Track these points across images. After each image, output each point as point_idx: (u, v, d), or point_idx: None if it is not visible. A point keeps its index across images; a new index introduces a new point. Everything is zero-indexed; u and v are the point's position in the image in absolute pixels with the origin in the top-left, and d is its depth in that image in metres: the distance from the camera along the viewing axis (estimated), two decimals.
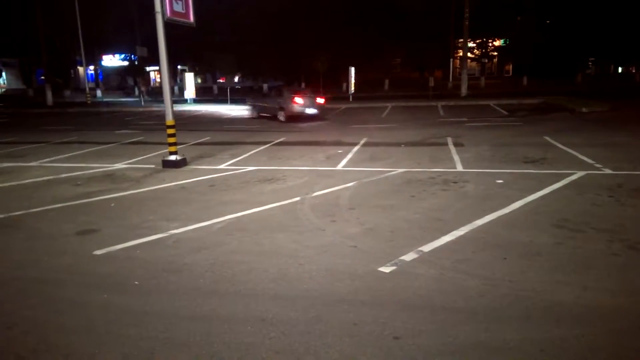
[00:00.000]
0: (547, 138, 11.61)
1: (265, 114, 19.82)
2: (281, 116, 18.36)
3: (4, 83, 49.27)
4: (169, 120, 9.58)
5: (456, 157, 9.64)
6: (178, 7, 9.88)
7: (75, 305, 3.81)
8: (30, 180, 8.66)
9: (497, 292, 3.78)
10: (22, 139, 14.77)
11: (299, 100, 17.98)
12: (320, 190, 7.28)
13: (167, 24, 9.38)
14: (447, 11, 34.96)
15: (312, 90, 22.44)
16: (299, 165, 9.37)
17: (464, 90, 28.39)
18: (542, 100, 22.39)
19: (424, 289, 3.87)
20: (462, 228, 5.26)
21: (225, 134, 14.94)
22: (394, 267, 4.28)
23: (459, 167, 8.70)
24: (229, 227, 5.66)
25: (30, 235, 5.60)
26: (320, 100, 19.19)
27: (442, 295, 3.75)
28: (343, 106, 25.27)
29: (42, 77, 40.61)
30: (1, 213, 6.47)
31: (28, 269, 4.56)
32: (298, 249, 4.89)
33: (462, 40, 30.53)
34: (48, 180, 8.68)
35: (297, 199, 6.81)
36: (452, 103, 24.07)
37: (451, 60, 39.79)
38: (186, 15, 10.16)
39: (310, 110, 18.19)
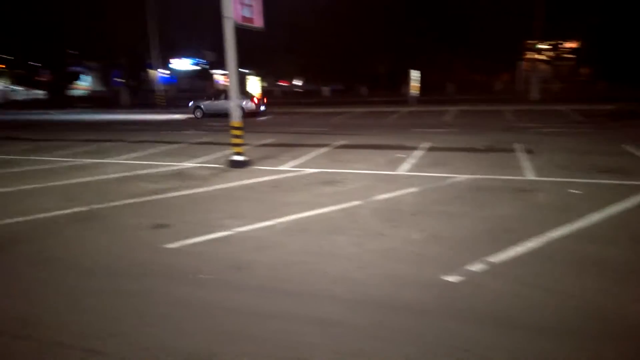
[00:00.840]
0: (626, 147, 10.75)
1: (213, 114, 22.93)
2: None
3: (89, 85, 53.41)
4: (235, 121, 9.92)
5: (526, 165, 9.17)
6: (246, 13, 10.22)
7: (145, 296, 4.04)
8: (110, 176, 9.31)
9: (570, 309, 3.54)
10: (102, 137, 15.93)
11: (255, 100, 23.12)
12: (382, 194, 7.22)
13: (236, 29, 9.72)
14: (517, 10, 33.44)
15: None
16: (360, 168, 9.34)
17: (534, 94, 27.00)
18: (620, 105, 20.78)
19: (493, 302, 3.71)
20: (534, 239, 4.99)
21: (288, 136, 15.23)
22: (461, 277, 4.14)
23: (529, 175, 8.27)
24: (291, 228, 5.76)
25: (109, 227, 6.01)
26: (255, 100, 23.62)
27: (513, 309, 3.58)
28: (404, 109, 24.92)
29: (119, 80, 43.69)
30: (85, 206, 7.01)
31: (108, 260, 4.89)
32: (359, 252, 4.88)
33: (533, 41, 29.06)
34: (125, 176, 9.29)
35: (358, 202, 6.79)
36: (520, 107, 22.96)
37: (520, 62, 37.99)
38: (254, 20, 10.50)
39: (262, 108, 23.85)
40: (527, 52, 36.61)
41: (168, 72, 45.73)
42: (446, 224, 5.68)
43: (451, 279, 4.12)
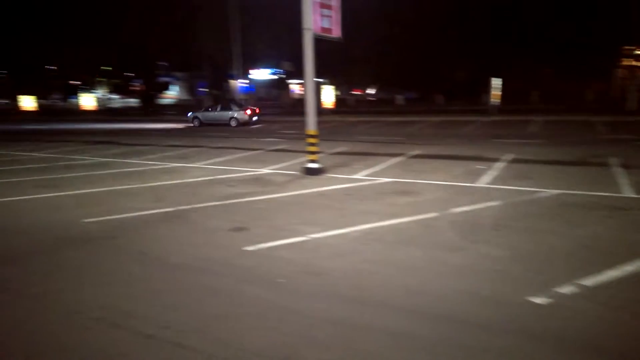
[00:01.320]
0: None
1: (211, 123, 25.62)
2: (233, 122, 25.29)
3: (175, 94, 57.43)
4: (311, 130, 10.11)
5: (623, 181, 8.37)
6: (325, 23, 10.42)
7: (227, 295, 4.21)
8: (193, 180, 9.89)
9: None
10: (186, 143, 17.00)
11: (248, 111, 25.78)
12: (460, 206, 6.95)
13: (314, 40, 9.94)
14: (612, 13, 30.83)
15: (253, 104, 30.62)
16: (436, 179, 9.08)
17: (631, 104, 24.66)
18: None
19: (587, 328, 3.41)
20: (633, 263, 4.53)
21: (361, 145, 15.24)
22: (548, 299, 3.86)
23: (627, 192, 7.54)
24: (365, 237, 5.73)
25: (193, 227, 6.38)
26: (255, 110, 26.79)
27: (609, 337, 3.26)
28: (484, 119, 23.90)
29: (202, 90, 46.45)
30: (172, 206, 7.50)
31: (192, 257, 5.18)
32: (435, 266, 4.73)
33: (630, 47, 26.60)
34: (207, 180, 9.82)
35: (434, 214, 6.60)
36: (616, 119, 21.05)
37: (617, 69, 34.90)
38: (332, 30, 10.68)
39: (255, 118, 26.21)
40: (623, 59, 33.56)
41: (247, 81, 47.87)
42: (531, 241, 5.34)
43: (537, 300, 3.85)
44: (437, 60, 36.84)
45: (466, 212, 6.70)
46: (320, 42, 10.14)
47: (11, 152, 15.67)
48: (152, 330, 3.56)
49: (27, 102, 46.58)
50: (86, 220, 6.73)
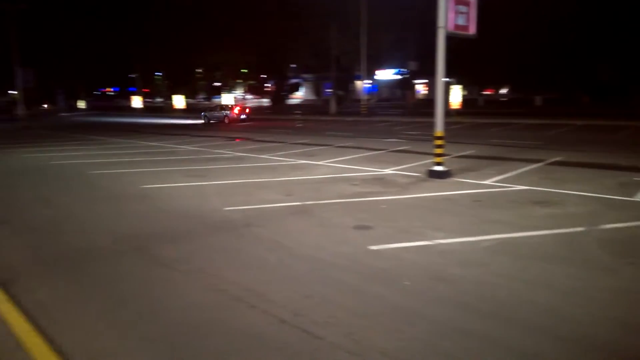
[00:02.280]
0: None
1: (213, 121, 32.31)
2: (226, 120, 31.71)
3: (302, 95, 60.36)
4: (438, 131, 9.81)
5: None
6: (460, 21, 10.02)
7: (354, 290, 4.31)
8: (319, 177, 10.29)
9: None
10: (312, 142, 17.74)
11: (236, 111, 32.47)
12: (612, 223, 6.15)
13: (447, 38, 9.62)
14: None
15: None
16: (582, 190, 8.14)
17: None
18: None
19: None
20: None
21: (491, 149, 14.33)
22: None
23: None
24: (496, 247, 5.39)
25: (319, 222, 6.65)
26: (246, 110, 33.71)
27: None
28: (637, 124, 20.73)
29: (328, 90, 47.97)
30: (300, 201, 7.91)
31: (318, 251, 5.41)
32: (579, 287, 4.26)
33: None
34: (331, 178, 10.14)
35: (580, 229, 5.93)
36: None
37: None
38: (467, 28, 10.22)
39: (243, 116, 32.27)
40: None
41: (370, 82, 48.27)
42: None
43: None
44: (583, 58, 32.89)
45: (619, 229, 5.91)
46: (449, 39, 9.78)
47: (168, 145, 18.01)
48: (286, 315, 3.80)
49: (178, 101, 53.07)
50: (227, 209, 7.45)
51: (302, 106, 53.59)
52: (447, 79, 9.95)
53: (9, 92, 53.69)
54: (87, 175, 11.16)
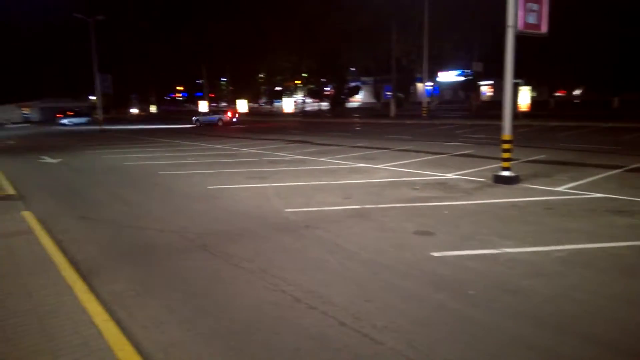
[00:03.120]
0: None
1: (207, 124, 35.97)
2: (220, 122, 35.58)
3: (361, 98, 60.20)
4: (506, 134, 9.38)
5: None
6: (531, 19, 9.54)
7: (415, 297, 4.21)
8: (379, 180, 10.20)
9: None
10: (371, 145, 17.62)
11: (229, 114, 36.75)
12: None
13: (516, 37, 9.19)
14: None
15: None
16: None
17: None
18: None
19: None
20: None
21: (563, 153, 13.49)
22: None
23: None
24: (570, 258, 5.06)
25: (379, 226, 6.58)
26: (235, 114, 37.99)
27: None
28: None
29: (388, 93, 47.48)
30: (359, 204, 7.89)
31: (378, 256, 5.35)
32: None
33: None
34: (391, 181, 10.01)
35: None
36: None
37: None
38: (539, 26, 9.71)
39: (234, 120, 36.70)
40: None
41: (432, 84, 47.18)
42: None
43: None
44: None
45: None
46: (518, 39, 9.33)
47: (231, 147, 18.67)
48: (346, 318, 3.80)
49: (241, 106, 55.02)
50: (287, 210, 7.58)
51: (361, 109, 53.43)
52: (516, 80, 9.48)
53: (89, 97, 58.26)
54: (157, 176, 11.82)
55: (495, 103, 34.55)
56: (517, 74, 9.51)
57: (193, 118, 38.98)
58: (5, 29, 59.64)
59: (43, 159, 16.53)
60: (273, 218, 7.19)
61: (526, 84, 31.11)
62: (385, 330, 3.60)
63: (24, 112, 62.13)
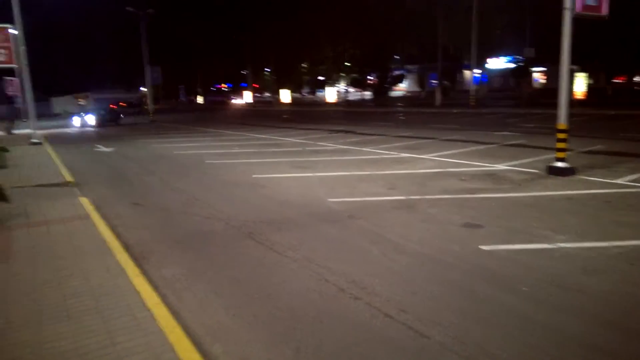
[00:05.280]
0: None
1: None
2: None
3: (405, 87, 59.08)
4: (561, 123, 8.90)
5: None
6: (590, 1, 8.95)
7: (464, 291, 4.09)
8: (424, 171, 9.97)
9: None
10: (416, 134, 17.26)
11: None
12: None
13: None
14: None
15: None
16: None
17: None
18: None
19: None
20: None
21: (623, 144, 12.65)
22: None
23: None
24: (631, 254, 4.75)
25: (425, 218, 6.43)
26: None
27: None
28: None
29: (433, 81, 46.28)
30: (404, 195, 7.75)
31: (423, 247, 5.24)
32: None
33: None
34: (437, 172, 9.76)
35: None
36: None
37: None
38: (598, 8, 9.10)
39: None
40: None
41: (480, 71, 45.49)
42: None
43: None
44: None
45: None
46: (575, 22, 8.77)
47: (274, 137, 18.87)
48: (391, 310, 3.74)
49: (284, 96, 55.47)
50: (331, 200, 7.57)
51: (405, 98, 52.42)
52: (572, 66, 8.95)
53: (140, 88, 60.55)
54: (205, 165, 12.13)
55: (548, 91, 32.87)
56: (573, 59, 8.97)
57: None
58: (62, 22, 63.01)
59: (98, 148, 17.38)
60: (316, 207, 7.20)
61: (582, 71, 29.38)
62: (431, 324, 3.52)
63: (79, 102, 65.51)
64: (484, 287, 4.14)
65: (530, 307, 3.75)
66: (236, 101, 68.08)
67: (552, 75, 34.19)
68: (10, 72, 23.62)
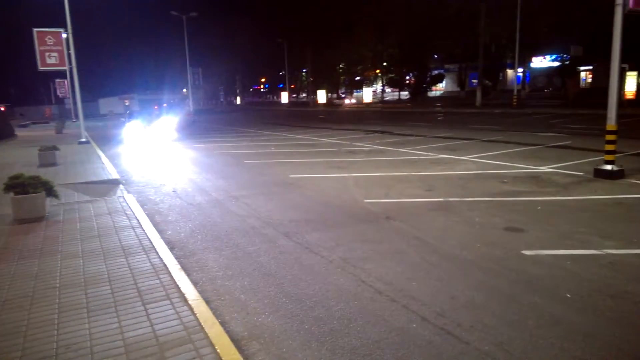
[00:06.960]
0: None
1: None
2: None
3: (443, 86, 58.01)
4: (611, 124, 8.49)
5: None
6: None
7: (505, 297, 3.97)
8: (463, 172, 9.76)
9: None
10: (455, 135, 16.90)
11: None
12: None
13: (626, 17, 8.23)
14: None
15: None
16: None
17: None
18: None
19: None
20: None
21: None
22: None
23: None
24: None
25: (464, 221, 6.29)
26: None
27: None
28: None
29: (474, 81, 45.17)
30: (442, 197, 7.61)
31: (462, 251, 5.12)
32: None
33: None
34: (477, 174, 9.52)
35: None
36: None
37: None
38: None
39: None
40: None
41: (522, 70, 44.01)
42: None
43: None
44: None
45: None
46: (627, 19, 8.33)
47: (311, 137, 18.97)
48: (428, 314, 3.69)
49: (320, 97, 55.77)
50: (367, 201, 7.53)
51: (444, 98, 51.44)
52: (622, 65, 8.52)
53: (183, 90, 62.34)
54: (243, 164, 12.35)
55: (595, 90, 31.37)
56: (623, 58, 8.54)
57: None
58: (108, 25, 65.80)
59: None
60: (353, 208, 7.18)
61: (633, 69, 27.89)
62: (471, 329, 3.44)
63: (125, 103, 68.20)
64: (526, 294, 4.00)
65: (575, 315, 3.59)
66: (274, 101, 68.99)
67: (600, 74, 32.59)
68: (61, 74, 24.88)
